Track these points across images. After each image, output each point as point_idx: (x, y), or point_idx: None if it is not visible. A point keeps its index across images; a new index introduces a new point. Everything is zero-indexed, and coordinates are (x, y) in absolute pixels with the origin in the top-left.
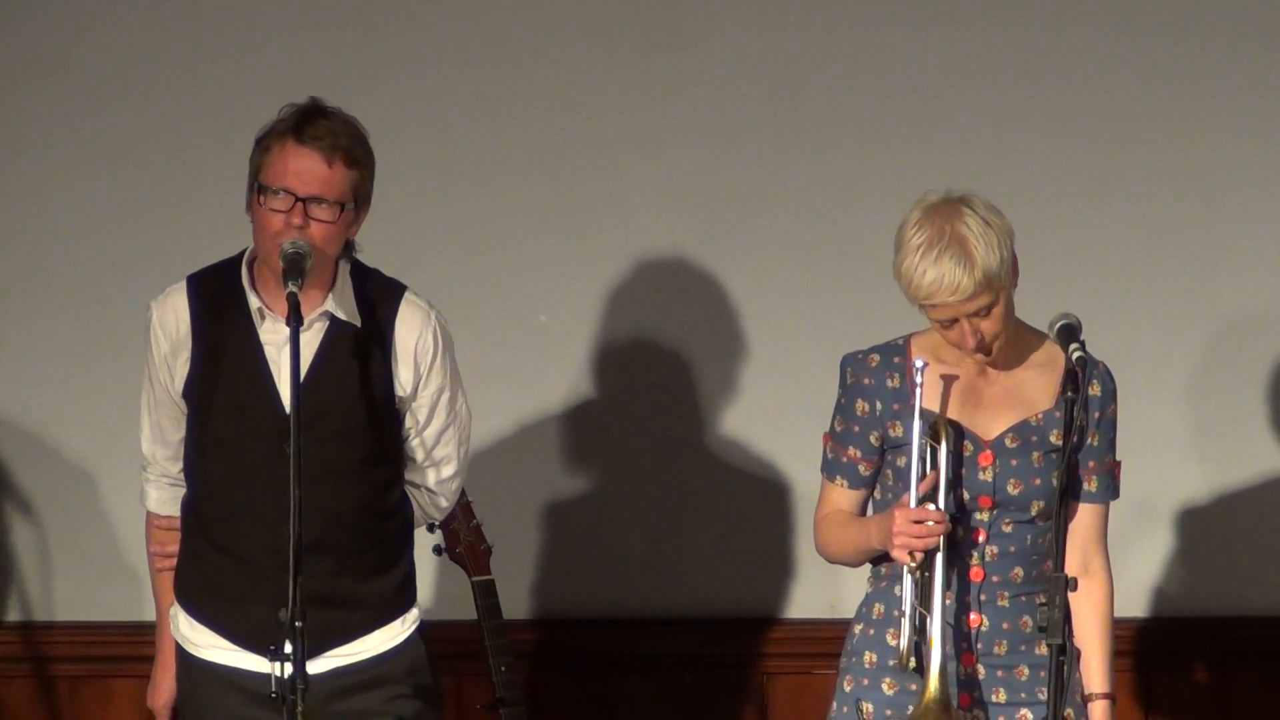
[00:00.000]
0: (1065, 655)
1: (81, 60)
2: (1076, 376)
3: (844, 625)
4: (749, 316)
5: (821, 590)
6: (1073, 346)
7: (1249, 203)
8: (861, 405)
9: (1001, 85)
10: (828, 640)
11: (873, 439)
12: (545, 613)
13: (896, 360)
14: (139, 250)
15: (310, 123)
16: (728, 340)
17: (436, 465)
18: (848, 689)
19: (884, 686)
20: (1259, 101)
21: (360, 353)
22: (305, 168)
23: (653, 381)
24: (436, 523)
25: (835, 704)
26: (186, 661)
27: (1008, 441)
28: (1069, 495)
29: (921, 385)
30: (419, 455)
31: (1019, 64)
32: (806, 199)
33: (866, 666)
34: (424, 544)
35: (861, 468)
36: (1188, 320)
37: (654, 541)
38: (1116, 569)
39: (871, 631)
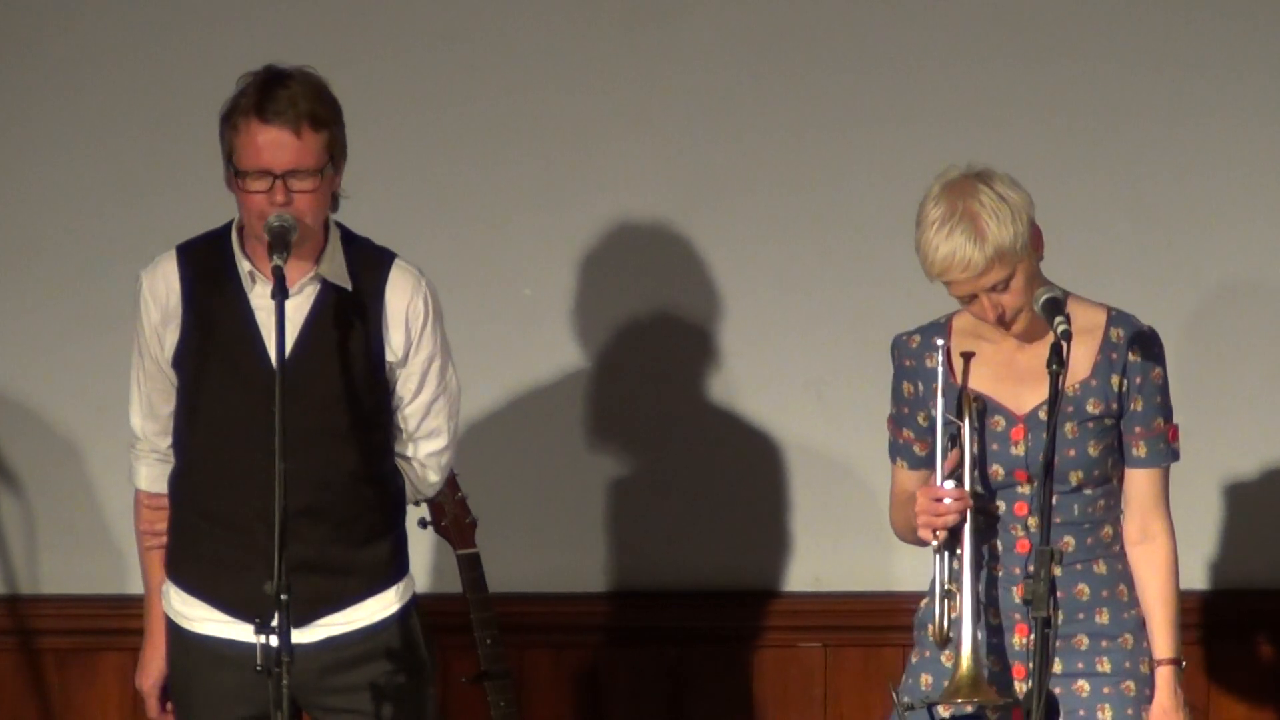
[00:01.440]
0: (1050, 628)
1: (66, 31)
2: (1061, 349)
3: (829, 599)
4: (734, 289)
5: (806, 564)
6: (1058, 320)
7: (1232, 174)
8: (907, 387)
9: (986, 58)
10: (812, 614)
11: (921, 419)
12: (530, 586)
13: (937, 340)
14: (125, 222)
15: (270, 97)
16: (713, 313)
17: (427, 437)
18: (914, 660)
19: (942, 659)
20: (1242, 74)
21: (351, 318)
22: (275, 144)
23: (637, 354)
24: (425, 498)
25: (905, 674)
26: (179, 637)
27: (1041, 414)
28: (1123, 462)
29: (943, 364)
30: (410, 426)
31: (1003, 37)
32: (791, 171)
33: (929, 639)
34: (409, 517)
35: (917, 448)
36: (1173, 290)
37: (638, 514)
38: None
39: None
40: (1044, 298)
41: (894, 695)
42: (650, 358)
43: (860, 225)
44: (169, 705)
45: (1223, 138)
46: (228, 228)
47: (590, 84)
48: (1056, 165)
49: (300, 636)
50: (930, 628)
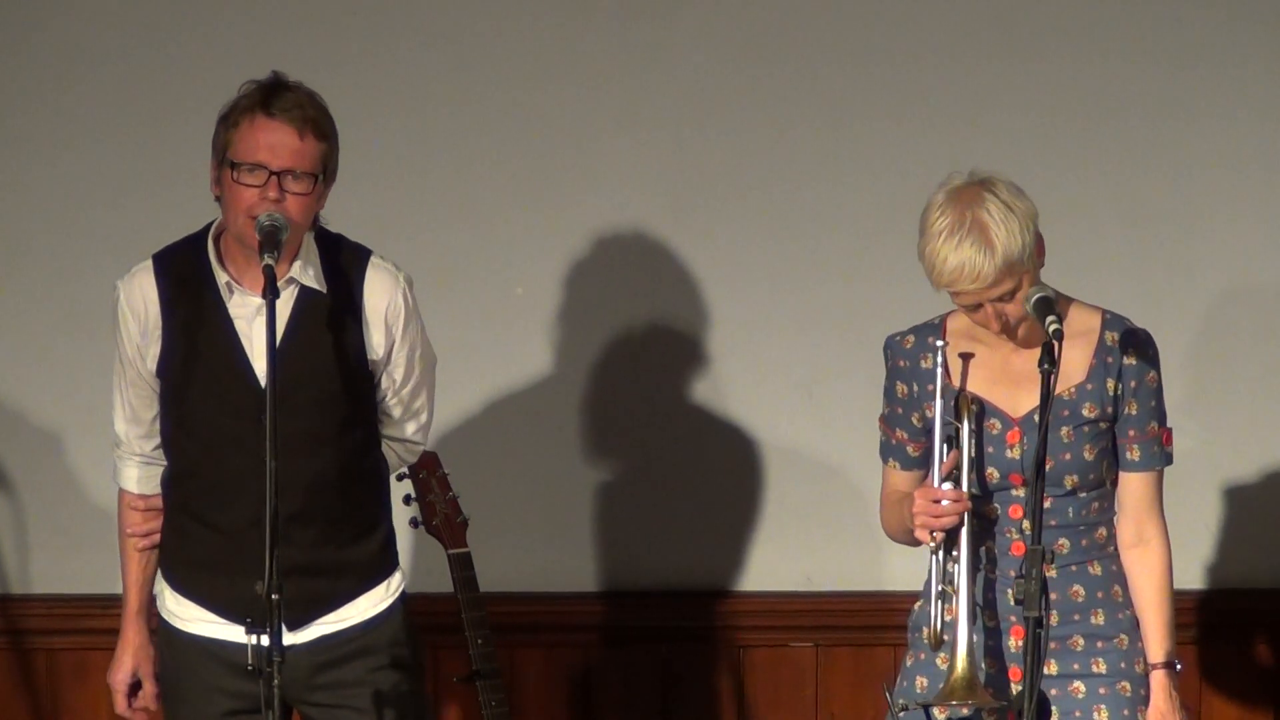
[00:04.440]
0: (1042, 628)
1: (49, 35)
2: (1053, 349)
3: (820, 598)
4: (724, 287)
5: (797, 562)
6: (1049, 319)
7: (1224, 174)
8: (901, 388)
9: (978, 57)
10: (803, 613)
11: (915, 420)
12: (521, 585)
13: (931, 340)
14: (113, 222)
15: (277, 96)
16: (703, 311)
17: (414, 415)
18: (909, 663)
19: (937, 662)
20: (1234, 74)
21: (331, 320)
22: (277, 141)
23: (628, 353)
24: (413, 462)
25: (899, 677)
26: (170, 636)
27: (1036, 418)
28: (1117, 466)
29: (943, 365)
30: (397, 412)
31: (996, 36)
32: (782, 170)
33: (923, 642)
34: (401, 516)
35: (910, 449)
36: (1165, 291)
37: (629, 514)
38: None
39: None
40: (1035, 297)
41: (888, 696)
42: (642, 356)
43: (851, 224)
44: (134, 703)
45: (1217, 137)
46: (203, 234)
47: (582, 82)
48: (1049, 165)
49: (293, 637)
50: (925, 630)
